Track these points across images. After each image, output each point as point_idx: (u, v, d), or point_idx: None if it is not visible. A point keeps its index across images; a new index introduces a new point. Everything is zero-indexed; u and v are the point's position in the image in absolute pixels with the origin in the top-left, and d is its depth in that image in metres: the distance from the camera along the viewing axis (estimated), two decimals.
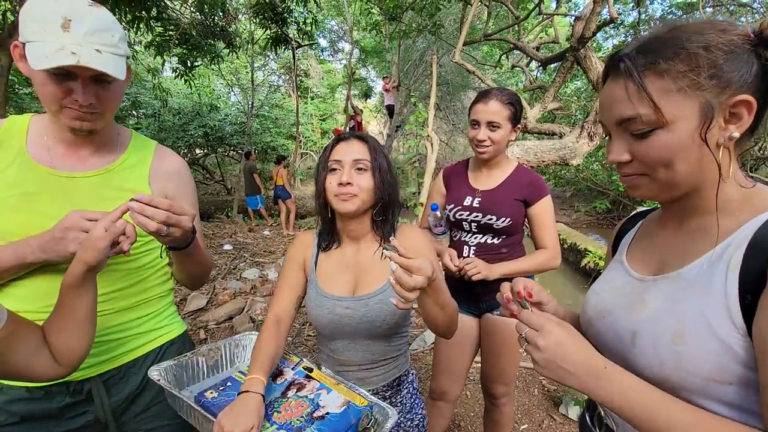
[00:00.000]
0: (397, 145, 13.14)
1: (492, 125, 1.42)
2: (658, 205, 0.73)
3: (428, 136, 4.66)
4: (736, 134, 0.53)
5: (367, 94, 16.84)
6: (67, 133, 0.85)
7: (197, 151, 11.91)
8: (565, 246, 6.88)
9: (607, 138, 0.64)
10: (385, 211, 1.03)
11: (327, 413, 0.80)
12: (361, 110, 11.82)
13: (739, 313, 0.50)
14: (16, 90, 7.87)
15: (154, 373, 0.85)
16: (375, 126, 16.68)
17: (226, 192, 11.66)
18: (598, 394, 0.56)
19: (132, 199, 0.73)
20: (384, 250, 0.71)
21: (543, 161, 4.63)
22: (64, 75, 0.75)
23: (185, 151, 10.90)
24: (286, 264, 1.09)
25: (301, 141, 12.06)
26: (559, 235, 7.30)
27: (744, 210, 0.56)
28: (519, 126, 1.48)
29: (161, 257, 0.96)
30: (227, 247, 5.80)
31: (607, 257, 0.83)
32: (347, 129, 9.54)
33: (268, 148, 12.88)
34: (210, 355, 0.97)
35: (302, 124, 12.84)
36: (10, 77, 4.39)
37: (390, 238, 0.75)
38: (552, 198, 1.52)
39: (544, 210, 1.49)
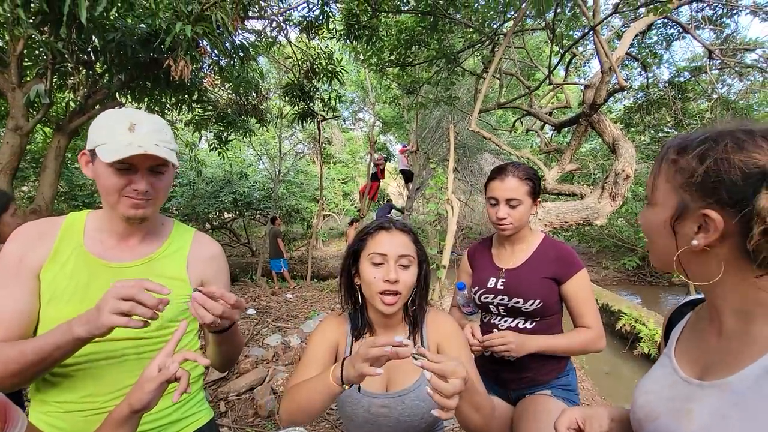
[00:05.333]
0: (416, 205, 13.39)
1: (511, 203, 1.35)
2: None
3: (448, 199, 4.77)
4: (695, 243, 0.56)
5: (387, 158, 17.61)
6: (120, 225, 0.95)
7: (226, 215, 12.45)
8: (597, 307, 6.55)
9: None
10: (420, 300, 1.01)
11: None
12: (385, 158, 12.20)
13: None
14: (68, 165, 8.69)
15: None
16: (395, 187, 17.18)
17: (251, 254, 11.92)
18: None
19: (196, 290, 0.78)
20: (414, 361, 0.69)
21: (566, 222, 4.60)
22: (126, 169, 0.87)
23: (215, 215, 11.42)
24: (318, 339, 1.01)
25: (323, 204, 12.52)
26: None
27: None
28: (539, 200, 1.42)
29: (196, 339, 1.00)
30: (251, 311, 5.81)
31: (660, 346, 0.80)
32: (370, 176, 9.82)
33: (292, 211, 13.37)
34: None
35: (325, 187, 13.40)
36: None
37: (416, 346, 0.72)
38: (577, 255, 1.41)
39: (579, 287, 1.36)
